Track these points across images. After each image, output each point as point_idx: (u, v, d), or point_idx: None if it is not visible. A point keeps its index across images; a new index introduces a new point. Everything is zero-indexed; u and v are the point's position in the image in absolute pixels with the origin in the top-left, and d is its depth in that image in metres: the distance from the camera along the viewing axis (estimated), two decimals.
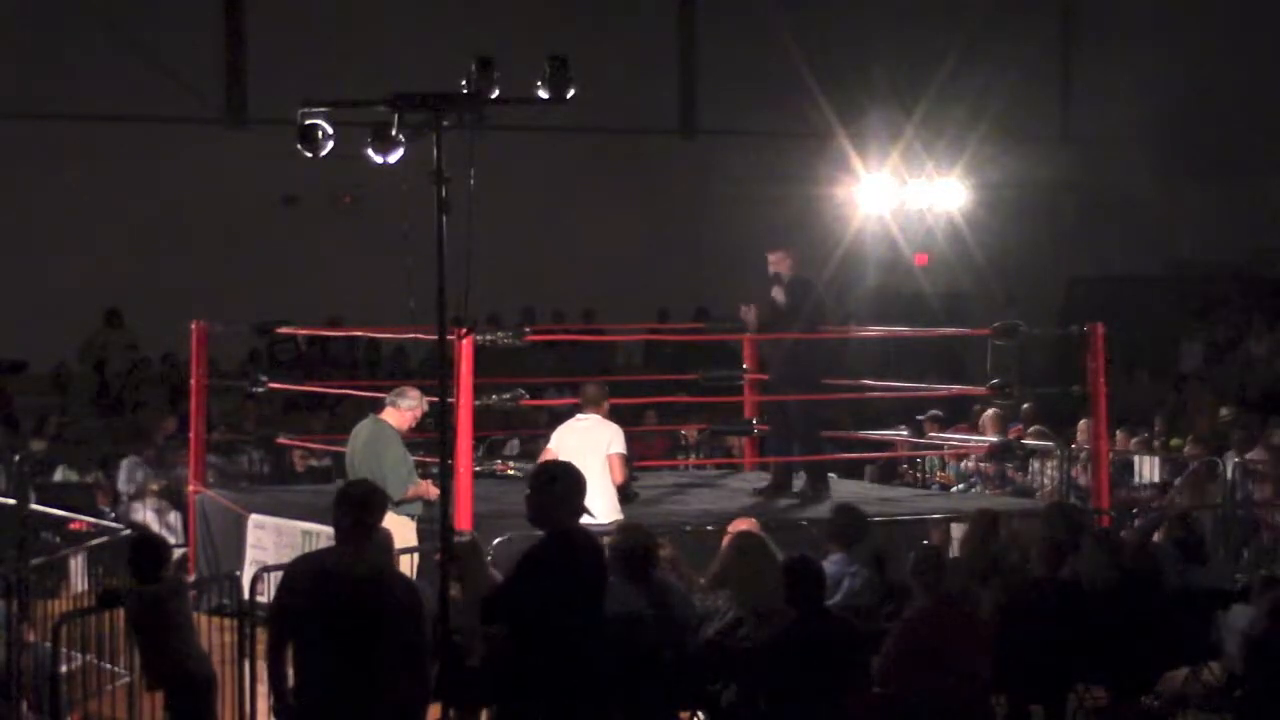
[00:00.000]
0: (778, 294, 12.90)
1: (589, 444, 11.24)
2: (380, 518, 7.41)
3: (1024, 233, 24.20)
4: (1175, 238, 24.77)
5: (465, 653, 8.44)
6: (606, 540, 8.29)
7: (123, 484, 16.10)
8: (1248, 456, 15.08)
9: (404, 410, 10.92)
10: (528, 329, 12.93)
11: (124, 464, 16.29)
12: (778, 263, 12.98)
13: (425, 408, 10.80)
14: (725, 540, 9.55)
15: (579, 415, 11.57)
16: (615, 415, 11.77)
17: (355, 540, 7.20)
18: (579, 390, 11.90)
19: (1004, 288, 23.35)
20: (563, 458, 10.92)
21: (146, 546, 9.32)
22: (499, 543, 10.48)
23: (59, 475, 16.20)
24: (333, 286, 20.91)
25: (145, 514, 15.47)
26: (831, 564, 9.20)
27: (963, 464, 15.95)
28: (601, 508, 10.95)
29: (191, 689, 8.82)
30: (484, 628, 7.90)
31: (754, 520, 10.12)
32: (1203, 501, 14.31)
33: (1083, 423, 15.01)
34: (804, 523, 11.17)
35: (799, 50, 23.14)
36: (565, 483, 7.12)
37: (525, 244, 22.20)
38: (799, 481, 13.15)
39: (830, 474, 15.87)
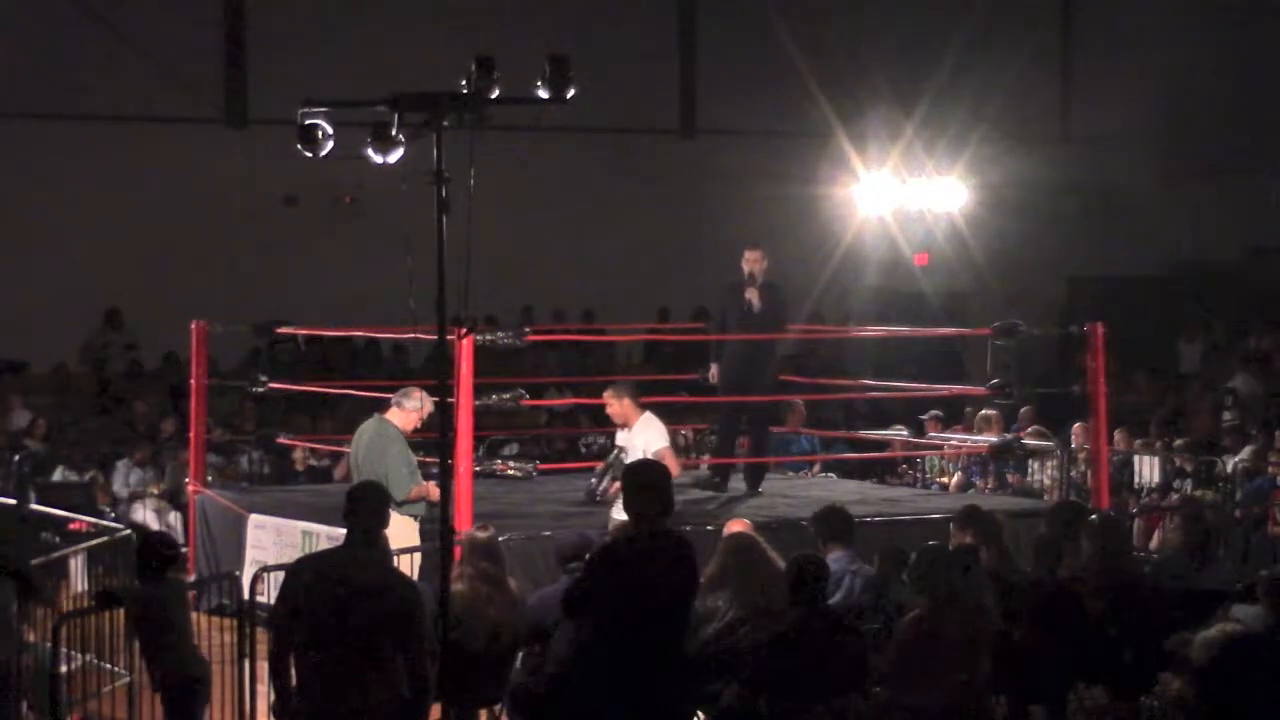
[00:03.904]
0: (752, 295, 12.88)
1: None
2: (386, 522, 7.42)
3: (1024, 233, 24.17)
4: (1175, 238, 24.74)
5: (466, 649, 8.45)
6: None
7: (118, 484, 16.11)
8: (1239, 458, 15.07)
9: (408, 410, 10.92)
10: (528, 329, 12.93)
11: (120, 464, 16.29)
12: (754, 262, 12.94)
13: (430, 408, 10.78)
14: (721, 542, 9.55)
15: None
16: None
17: (363, 542, 7.21)
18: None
19: (1004, 288, 23.34)
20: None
21: (154, 545, 9.31)
22: (499, 542, 10.47)
23: (59, 475, 16.20)
24: (333, 286, 20.89)
25: (145, 514, 15.48)
26: (834, 561, 9.20)
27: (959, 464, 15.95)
28: None
29: (186, 690, 8.82)
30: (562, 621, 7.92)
31: (747, 521, 10.13)
32: (1203, 501, 14.31)
33: (1077, 426, 15.01)
34: (803, 522, 11.16)
35: (799, 50, 23.13)
36: (660, 478, 7.28)
37: (525, 244, 22.20)
38: (736, 478, 13.24)
39: (830, 474, 15.95)
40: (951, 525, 10.00)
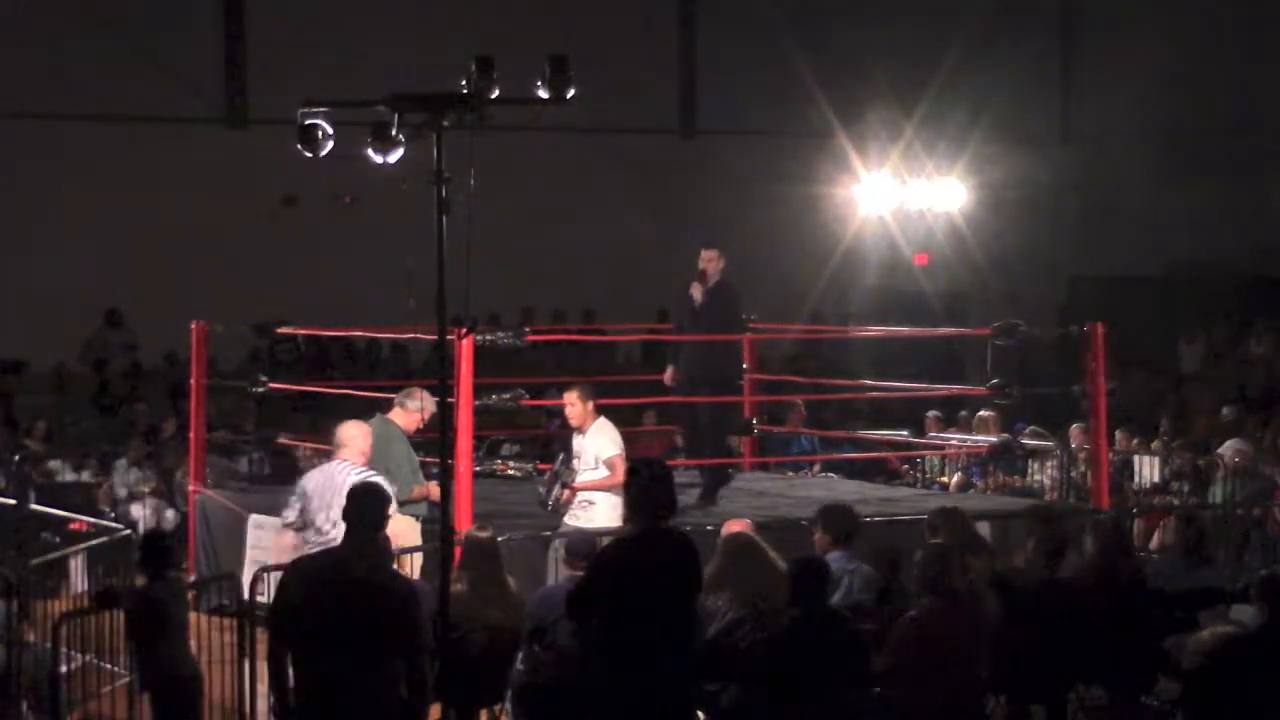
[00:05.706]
0: (696, 291, 12.85)
1: None
2: (386, 522, 7.42)
3: (1024, 233, 24.19)
4: (1175, 238, 24.73)
5: (466, 649, 8.45)
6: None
7: (118, 483, 16.11)
8: (1221, 450, 15.03)
9: (410, 411, 10.92)
10: (528, 329, 12.91)
11: (118, 463, 16.29)
12: (708, 261, 12.91)
13: (432, 409, 10.76)
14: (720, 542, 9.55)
15: None
16: (615, 416, 11.75)
17: (363, 542, 7.21)
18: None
19: (1004, 288, 23.35)
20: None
21: (157, 543, 9.31)
22: (499, 542, 10.47)
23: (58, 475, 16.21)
24: (333, 286, 20.89)
25: (142, 513, 15.48)
26: (833, 561, 9.20)
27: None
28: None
29: (178, 690, 8.81)
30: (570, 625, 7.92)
31: (747, 521, 10.12)
32: (1202, 501, 14.31)
33: (1075, 427, 14.98)
34: (804, 522, 11.15)
35: (799, 50, 23.13)
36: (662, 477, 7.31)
37: (525, 244, 22.19)
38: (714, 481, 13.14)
39: (830, 474, 15.94)
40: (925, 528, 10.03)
